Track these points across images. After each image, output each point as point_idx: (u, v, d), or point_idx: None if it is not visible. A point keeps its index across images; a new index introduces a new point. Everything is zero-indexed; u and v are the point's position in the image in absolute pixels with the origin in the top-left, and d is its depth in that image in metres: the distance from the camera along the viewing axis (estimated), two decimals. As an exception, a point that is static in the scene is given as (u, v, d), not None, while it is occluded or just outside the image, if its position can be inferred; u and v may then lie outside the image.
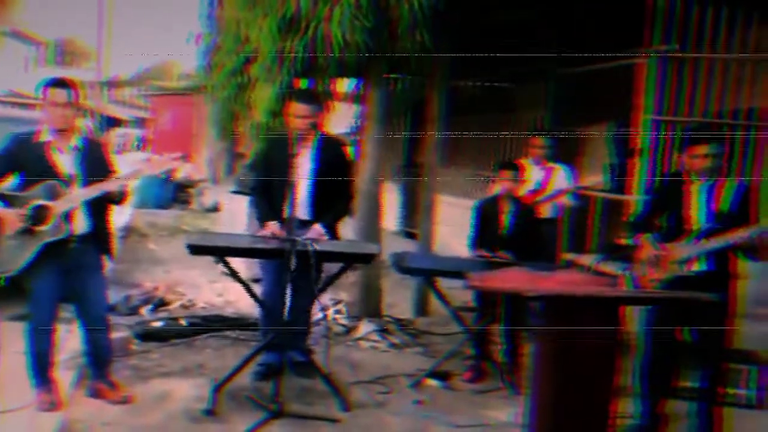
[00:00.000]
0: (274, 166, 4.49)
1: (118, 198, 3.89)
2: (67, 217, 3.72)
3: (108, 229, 3.99)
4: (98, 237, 3.89)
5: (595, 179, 5.66)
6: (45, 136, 3.78)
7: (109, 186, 3.75)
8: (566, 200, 5.97)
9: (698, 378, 4.06)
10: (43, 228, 3.68)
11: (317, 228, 4.34)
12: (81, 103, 3.86)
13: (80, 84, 3.92)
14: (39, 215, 3.67)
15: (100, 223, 3.88)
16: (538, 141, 6.01)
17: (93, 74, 23.15)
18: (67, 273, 3.85)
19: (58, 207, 3.68)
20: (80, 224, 3.79)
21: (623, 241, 4.33)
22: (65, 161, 3.77)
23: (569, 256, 6.30)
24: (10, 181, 3.78)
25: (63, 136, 3.79)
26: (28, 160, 3.73)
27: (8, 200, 3.72)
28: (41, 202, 3.68)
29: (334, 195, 4.47)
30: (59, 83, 3.80)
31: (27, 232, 3.68)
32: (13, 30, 27.25)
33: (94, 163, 3.79)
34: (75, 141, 3.83)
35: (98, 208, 3.84)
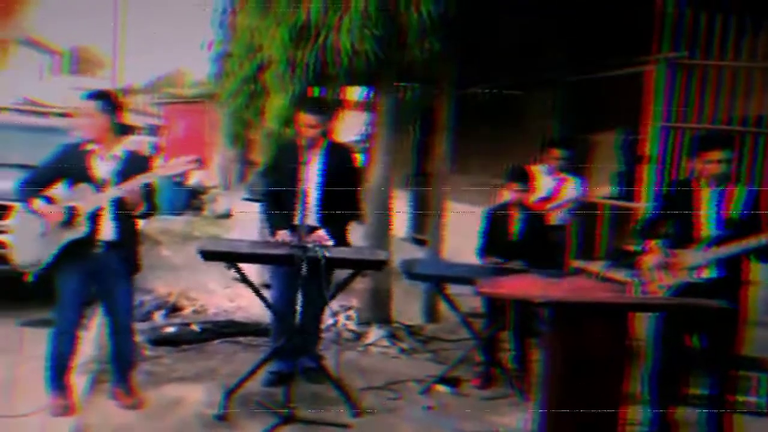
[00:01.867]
0: (284, 174, 4.53)
1: (143, 211, 3.98)
2: (92, 218, 3.86)
3: (136, 240, 4.13)
4: (125, 246, 4.01)
5: (602, 190, 5.65)
6: (90, 146, 3.98)
7: (130, 186, 3.82)
8: (572, 209, 5.97)
9: (708, 385, 4.05)
10: (70, 227, 3.86)
11: (320, 233, 4.38)
12: (120, 114, 4.04)
13: (119, 95, 4.20)
14: (70, 216, 3.85)
15: (127, 233, 4.01)
16: (556, 152, 5.99)
17: (107, 83, 23.32)
18: (93, 277, 3.98)
19: (85, 207, 3.84)
20: (108, 231, 3.93)
21: (632, 248, 4.34)
22: (102, 168, 3.94)
23: (578, 263, 6.31)
24: (59, 188, 4.00)
25: (105, 146, 3.96)
26: (72, 167, 3.93)
27: (51, 202, 3.92)
28: (72, 203, 3.85)
29: (342, 202, 4.51)
30: (95, 95, 4.00)
31: (57, 231, 3.86)
32: (28, 38, 27.51)
33: (132, 173, 3.89)
34: (117, 151, 3.99)
35: (126, 219, 3.97)
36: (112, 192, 3.85)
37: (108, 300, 4.08)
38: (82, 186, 3.88)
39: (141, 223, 4.15)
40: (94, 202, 3.85)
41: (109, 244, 3.94)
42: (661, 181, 5.36)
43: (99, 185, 3.88)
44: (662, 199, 4.36)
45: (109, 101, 3.99)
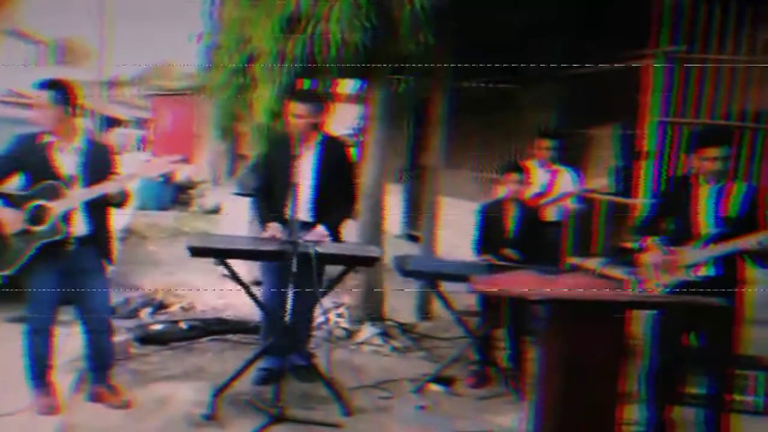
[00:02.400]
0: (275, 168, 4.46)
1: (119, 201, 3.85)
2: (65, 218, 3.70)
3: (108, 232, 3.96)
4: (98, 240, 3.86)
5: (600, 182, 5.59)
6: (48, 137, 3.77)
7: (108, 188, 3.70)
8: (571, 203, 5.90)
9: (705, 384, 4.01)
10: (40, 228, 3.67)
11: (319, 230, 4.30)
12: (75, 104, 3.82)
13: (73, 84, 3.90)
14: (37, 215, 3.66)
15: (99, 225, 3.85)
16: (544, 143, 5.94)
17: (94, 74, 23.12)
18: (66, 275, 3.82)
19: (57, 208, 3.67)
20: (79, 226, 3.76)
21: (629, 245, 4.28)
22: (67, 162, 3.75)
23: (574, 259, 6.25)
24: (15, 182, 3.78)
25: (65, 137, 3.77)
26: (31, 161, 3.73)
27: (10, 200, 3.71)
28: (40, 202, 3.67)
29: (336, 197, 4.43)
30: (46, 85, 3.78)
31: (26, 232, 3.67)
32: (13, 29, 27.25)
33: (97, 165, 3.75)
34: (77, 142, 3.81)
35: (98, 211, 3.81)
36: (85, 193, 3.69)
37: (83, 297, 3.91)
38: (49, 184, 3.68)
39: (126, 219, 4.03)
40: (67, 203, 3.67)
41: (81, 240, 3.78)
42: (658, 177, 5.30)
43: (67, 182, 3.70)
44: (660, 195, 4.31)
45: (62, 91, 3.76)
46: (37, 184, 3.69)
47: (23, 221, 3.65)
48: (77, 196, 3.70)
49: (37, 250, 3.68)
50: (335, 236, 4.43)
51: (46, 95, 3.72)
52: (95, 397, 4.04)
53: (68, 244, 3.75)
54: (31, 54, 30.91)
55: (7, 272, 3.72)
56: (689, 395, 4.43)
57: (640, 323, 4.45)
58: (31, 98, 3.84)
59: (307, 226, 4.26)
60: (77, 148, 3.79)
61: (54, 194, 3.67)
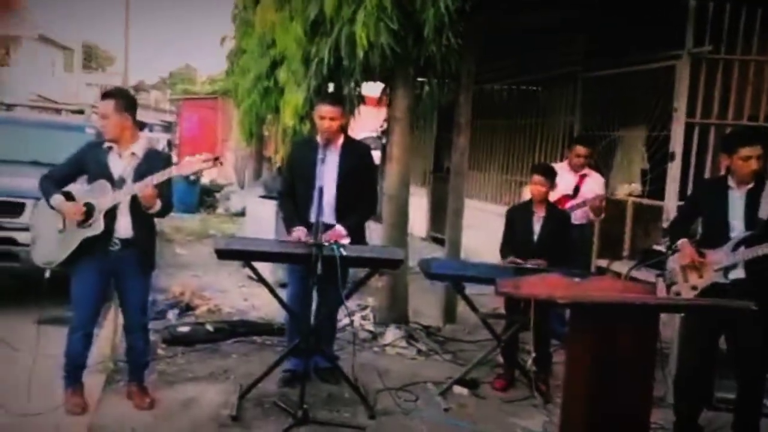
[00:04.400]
0: (301, 171, 4.47)
1: (161, 210, 3.94)
2: (108, 215, 3.84)
3: (151, 238, 4.10)
4: (141, 244, 3.98)
5: (629, 186, 5.52)
6: (110, 143, 3.99)
7: (145, 184, 3.77)
8: (598, 207, 5.82)
9: (736, 388, 3.94)
10: (86, 224, 3.85)
11: (338, 229, 4.30)
12: (135, 111, 4.04)
13: (130, 93, 4.25)
14: (87, 213, 3.84)
15: (143, 230, 3.99)
16: (582, 150, 5.86)
17: (119, 79, 23.41)
18: (108, 275, 3.97)
19: (101, 205, 3.83)
20: (125, 229, 3.92)
21: (660, 248, 4.23)
22: (119, 165, 3.93)
23: (603, 262, 6.18)
24: (77, 185, 4.04)
25: (123, 144, 3.96)
26: (91, 164, 3.96)
27: (69, 198, 3.92)
28: (89, 200, 3.85)
29: (358, 199, 4.43)
30: (112, 94, 4.03)
31: (75, 228, 3.87)
32: (40, 35, 27.69)
33: (150, 170, 3.84)
34: (135, 148, 3.97)
35: (142, 217, 3.93)
36: (129, 189, 3.83)
37: (123, 298, 4.07)
38: (99, 182, 3.87)
39: (156, 222, 4.10)
40: (112, 200, 3.84)
41: (124, 242, 3.92)
42: (687, 178, 5.24)
43: (116, 183, 3.87)
44: (691, 197, 4.25)
45: (125, 100, 4.01)
46: (92, 183, 3.92)
47: (81, 215, 3.83)
48: (119, 194, 3.84)
49: (80, 244, 3.84)
50: (359, 238, 4.43)
51: (112, 104, 3.92)
52: (127, 395, 4.11)
53: (112, 244, 3.89)
54: (57, 60, 31.37)
55: (52, 265, 3.93)
56: (720, 399, 4.37)
57: (670, 327, 4.40)
58: (96, 107, 4.12)
59: (330, 228, 4.27)
60: (134, 154, 3.97)
61: (102, 192, 3.85)
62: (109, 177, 3.88)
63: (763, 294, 3.66)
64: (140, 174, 3.85)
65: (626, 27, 6.27)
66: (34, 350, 3.93)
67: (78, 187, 3.99)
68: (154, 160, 3.95)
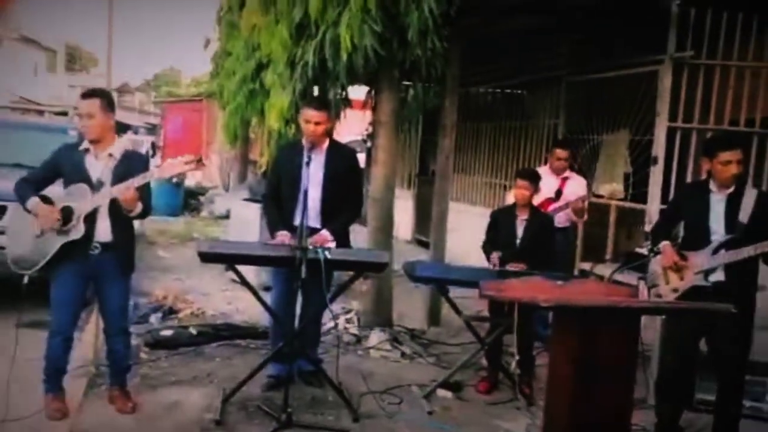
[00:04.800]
0: (285, 174, 4.46)
1: (141, 212, 3.90)
2: (88, 219, 3.78)
3: (130, 241, 4.05)
4: (120, 247, 3.93)
5: (609, 189, 5.57)
6: (86, 144, 3.92)
7: (126, 188, 3.73)
8: (581, 209, 5.86)
9: (716, 390, 3.98)
10: (65, 228, 3.78)
11: (324, 233, 4.30)
12: (114, 112, 3.98)
13: (109, 94, 4.11)
14: (65, 216, 3.78)
15: (122, 233, 3.94)
16: (562, 153, 5.90)
17: (103, 80, 23.24)
18: (88, 279, 3.92)
19: (80, 209, 3.77)
20: (104, 233, 3.86)
21: (642, 251, 4.26)
22: (97, 167, 3.87)
23: (586, 265, 6.22)
24: (55, 188, 3.96)
25: (100, 145, 3.89)
26: (68, 166, 3.89)
27: (46, 202, 3.85)
28: (68, 203, 3.78)
29: (343, 202, 4.43)
30: (88, 94, 3.94)
31: (53, 232, 3.79)
32: (22, 36, 27.43)
33: (128, 172, 3.80)
34: (113, 150, 3.91)
35: (121, 220, 3.89)
36: (109, 192, 3.77)
37: (102, 301, 4.02)
38: (78, 186, 3.81)
39: (136, 224, 4.06)
40: (91, 203, 3.78)
41: (104, 246, 3.86)
42: (669, 182, 5.28)
43: (94, 186, 3.81)
44: (672, 201, 4.29)
45: (108, 99, 3.95)
46: (69, 187, 3.84)
47: (57, 221, 3.76)
48: (98, 197, 3.78)
49: (59, 250, 3.78)
50: (344, 241, 4.43)
51: (98, 103, 3.85)
52: (109, 399, 4.07)
53: (92, 248, 3.84)
54: (40, 61, 31.09)
55: (31, 272, 3.84)
56: (700, 401, 4.41)
57: (651, 329, 4.43)
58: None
59: (315, 232, 4.27)
60: (111, 155, 3.90)
61: (82, 196, 3.78)
62: (87, 180, 3.81)
63: (743, 297, 3.71)
64: (118, 176, 3.80)
65: (610, 32, 6.32)
66: (13, 354, 3.88)
67: (57, 191, 3.91)
68: (132, 162, 3.90)
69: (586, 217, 5.88)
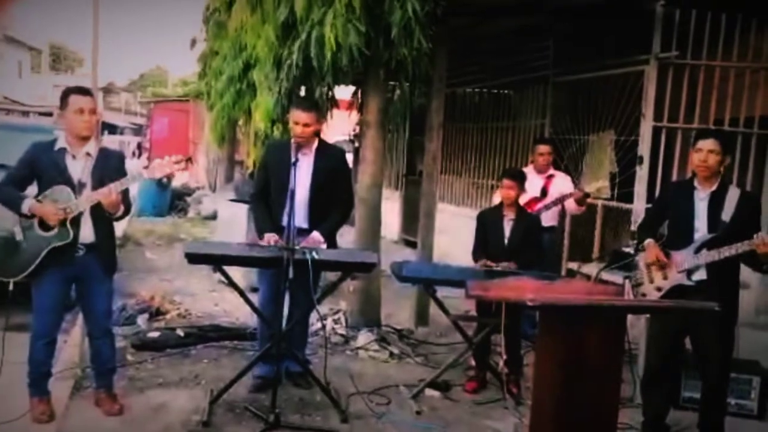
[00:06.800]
0: (273, 174, 4.45)
1: (123, 213, 3.86)
2: (72, 222, 3.72)
3: (112, 241, 4.01)
4: (102, 248, 3.89)
5: (596, 186, 5.60)
6: (62, 143, 3.83)
7: (109, 190, 3.69)
8: (568, 208, 5.89)
9: (701, 388, 4.01)
10: (50, 233, 3.72)
11: (315, 236, 4.29)
12: (97, 111, 3.94)
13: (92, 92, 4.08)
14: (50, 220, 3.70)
15: (105, 234, 3.90)
16: (544, 149, 5.94)
17: (88, 80, 23.10)
18: (71, 281, 3.88)
19: (66, 212, 3.70)
20: (87, 234, 3.81)
21: (628, 249, 4.28)
22: (77, 168, 3.80)
23: (573, 264, 6.25)
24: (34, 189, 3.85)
25: (78, 144, 3.82)
26: (47, 167, 3.78)
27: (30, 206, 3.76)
28: (53, 206, 3.70)
29: (332, 203, 4.43)
30: (81, 90, 3.87)
31: (38, 236, 3.72)
32: (6, 35, 27.21)
33: (106, 172, 3.77)
34: (89, 148, 3.85)
35: (103, 220, 3.84)
36: (94, 196, 3.71)
37: (86, 303, 3.98)
38: (61, 188, 3.73)
39: (123, 225, 4.03)
40: (76, 207, 3.71)
41: (88, 247, 3.82)
42: (655, 181, 5.32)
43: (76, 187, 3.75)
44: (659, 199, 4.31)
45: (92, 96, 3.90)
46: (49, 189, 3.75)
47: (63, 214, 3.68)
48: (82, 200, 3.72)
49: (46, 254, 3.72)
50: (331, 242, 4.42)
51: (80, 101, 3.78)
52: (95, 402, 4.04)
53: (76, 250, 3.79)
54: (24, 61, 30.86)
55: (18, 278, 3.75)
56: (686, 399, 4.45)
57: (638, 328, 4.46)
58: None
59: (303, 233, 4.26)
60: (88, 154, 3.84)
61: (67, 199, 3.71)
62: (68, 181, 3.74)
63: (726, 295, 3.74)
64: (98, 176, 3.75)
65: (596, 33, 6.35)
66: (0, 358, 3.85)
67: (38, 193, 3.78)
68: (108, 160, 3.87)
69: (584, 207, 5.89)
